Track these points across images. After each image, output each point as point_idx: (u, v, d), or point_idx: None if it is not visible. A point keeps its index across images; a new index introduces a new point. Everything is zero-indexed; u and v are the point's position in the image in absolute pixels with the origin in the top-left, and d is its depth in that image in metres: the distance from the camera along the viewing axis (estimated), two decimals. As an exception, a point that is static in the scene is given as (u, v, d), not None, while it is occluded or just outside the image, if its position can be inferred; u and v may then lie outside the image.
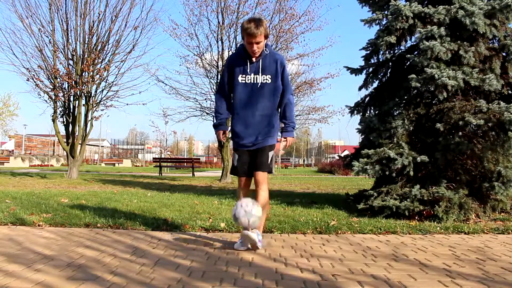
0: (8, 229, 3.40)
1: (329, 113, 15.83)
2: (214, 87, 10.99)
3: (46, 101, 11.09)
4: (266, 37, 2.68)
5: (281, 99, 2.86)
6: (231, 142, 12.47)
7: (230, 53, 10.85)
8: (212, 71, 11.08)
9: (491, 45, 4.57)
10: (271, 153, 2.87)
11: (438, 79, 4.10)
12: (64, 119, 11.21)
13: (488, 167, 4.15)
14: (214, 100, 2.87)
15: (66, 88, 11.10)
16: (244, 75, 2.76)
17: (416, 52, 4.69)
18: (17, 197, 5.42)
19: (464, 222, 3.81)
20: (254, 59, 2.75)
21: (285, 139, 2.95)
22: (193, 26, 11.18)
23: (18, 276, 2.09)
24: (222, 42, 10.77)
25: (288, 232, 3.42)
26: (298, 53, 11.83)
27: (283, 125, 2.95)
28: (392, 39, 4.56)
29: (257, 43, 2.63)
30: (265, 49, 2.74)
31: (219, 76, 10.85)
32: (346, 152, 6.60)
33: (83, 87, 10.84)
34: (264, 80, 2.75)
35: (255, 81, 2.75)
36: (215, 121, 3.05)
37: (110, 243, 2.92)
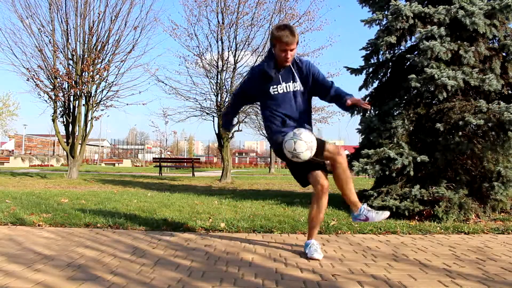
0: (8, 229, 3.40)
1: (329, 113, 15.85)
2: (214, 87, 10.97)
3: (46, 101, 11.12)
4: (297, 43, 2.57)
5: (330, 91, 2.65)
6: (230, 142, 12.48)
7: (230, 53, 10.86)
8: (212, 71, 11.07)
9: (491, 45, 4.58)
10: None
11: (438, 79, 4.10)
12: (64, 119, 11.21)
13: (488, 167, 4.16)
14: (229, 99, 2.71)
15: (66, 88, 11.11)
16: (275, 85, 2.62)
17: (416, 52, 4.69)
18: (17, 197, 5.42)
19: (464, 222, 3.81)
20: (282, 68, 2.63)
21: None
22: (192, 26, 11.19)
23: (18, 276, 2.09)
24: (222, 42, 10.77)
25: (288, 232, 3.42)
26: (298, 53, 11.76)
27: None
28: (392, 39, 4.57)
29: (292, 50, 2.52)
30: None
31: (219, 76, 10.83)
32: (346, 152, 6.58)
33: (83, 87, 10.85)
34: (295, 88, 2.63)
35: (287, 90, 2.63)
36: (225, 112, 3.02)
37: (110, 243, 2.92)
